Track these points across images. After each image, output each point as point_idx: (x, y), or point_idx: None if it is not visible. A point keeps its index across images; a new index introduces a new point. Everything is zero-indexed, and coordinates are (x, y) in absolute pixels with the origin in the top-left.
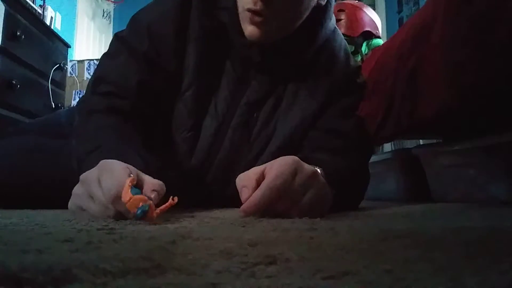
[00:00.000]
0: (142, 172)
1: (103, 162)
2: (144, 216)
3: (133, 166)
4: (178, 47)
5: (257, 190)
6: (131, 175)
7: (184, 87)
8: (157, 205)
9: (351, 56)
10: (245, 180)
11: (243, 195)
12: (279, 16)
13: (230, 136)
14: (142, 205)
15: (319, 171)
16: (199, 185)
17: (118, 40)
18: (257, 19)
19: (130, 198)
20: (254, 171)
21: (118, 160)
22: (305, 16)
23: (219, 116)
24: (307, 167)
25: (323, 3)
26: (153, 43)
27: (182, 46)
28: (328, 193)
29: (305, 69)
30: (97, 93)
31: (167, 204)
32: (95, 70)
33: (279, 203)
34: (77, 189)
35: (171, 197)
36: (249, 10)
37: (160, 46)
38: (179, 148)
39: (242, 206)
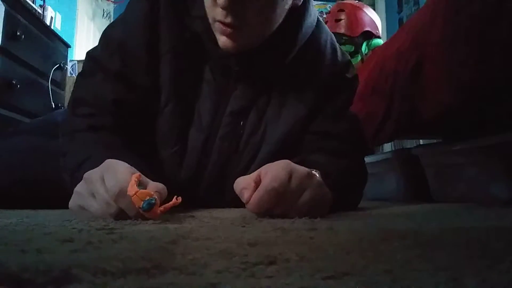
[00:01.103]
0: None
1: (107, 161)
2: (150, 209)
3: None
4: (150, 62)
5: (255, 193)
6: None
7: (162, 103)
8: (160, 205)
9: (338, 50)
10: (243, 183)
11: (244, 196)
12: (251, 26)
13: (218, 147)
14: (149, 198)
15: (314, 172)
16: (192, 199)
17: (90, 59)
18: (229, 30)
19: (137, 192)
20: (251, 175)
21: None
22: (280, 20)
23: (204, 129)
24: (301, 168)
25: (299, 2)
26: (125, 60)
27: (154, 61)
28: (326, 193)
29: (289, 71)
30: (77, 115)
31: (171, 202)
32: (73, 91)
33: (277, 206)
34: (79, 188)
35: (175, 196)
36: (220, 22)
37: (132, 63)
38: (167, 164)
39: (247, 205)
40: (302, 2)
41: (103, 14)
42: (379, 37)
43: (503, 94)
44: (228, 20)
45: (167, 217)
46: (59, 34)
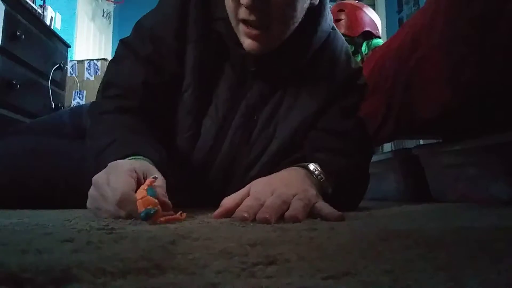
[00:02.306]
0: (156, 162)
1: (111, 164)
2: (147, 219)
3: (148, 157)
4: (178, 48)
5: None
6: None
7: (184, 87)
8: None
9: (352, 58)
10: (229, 203)
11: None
12: (274, 25)
13: (230, 137)
14: (149, 208)
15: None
16: (200, 184)
17: (123, 45)
18: (255, 32)
19: (143, 197)
20: (238, 193)
21: (133, 151)
22: (300, 19)
23: (219, 119)
24: (277, 199)
25: (316, 3)
26: (156, 46)
27: (182, 47)
28: (311, 200)
29: (304, 71)
30: (107, 97)
31: (173, 217)
32: (104, 76)
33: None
34: (91, 191)
35: (180, 212)
36: (243, 21)
37: (162, 49)
38: (181, 148)
39: None
40: (318, 3)
41: (103, 14)
42: (379, 37)
43: (503, 94)
44: (252, 18)
45: None
46: (59, 34)
